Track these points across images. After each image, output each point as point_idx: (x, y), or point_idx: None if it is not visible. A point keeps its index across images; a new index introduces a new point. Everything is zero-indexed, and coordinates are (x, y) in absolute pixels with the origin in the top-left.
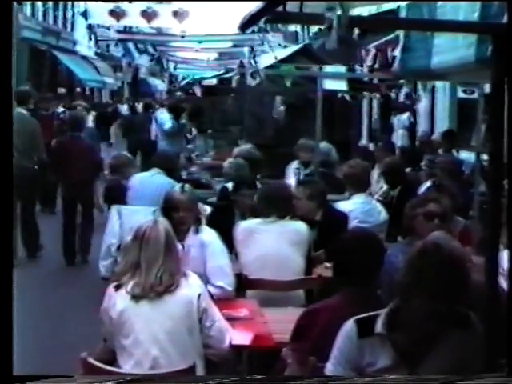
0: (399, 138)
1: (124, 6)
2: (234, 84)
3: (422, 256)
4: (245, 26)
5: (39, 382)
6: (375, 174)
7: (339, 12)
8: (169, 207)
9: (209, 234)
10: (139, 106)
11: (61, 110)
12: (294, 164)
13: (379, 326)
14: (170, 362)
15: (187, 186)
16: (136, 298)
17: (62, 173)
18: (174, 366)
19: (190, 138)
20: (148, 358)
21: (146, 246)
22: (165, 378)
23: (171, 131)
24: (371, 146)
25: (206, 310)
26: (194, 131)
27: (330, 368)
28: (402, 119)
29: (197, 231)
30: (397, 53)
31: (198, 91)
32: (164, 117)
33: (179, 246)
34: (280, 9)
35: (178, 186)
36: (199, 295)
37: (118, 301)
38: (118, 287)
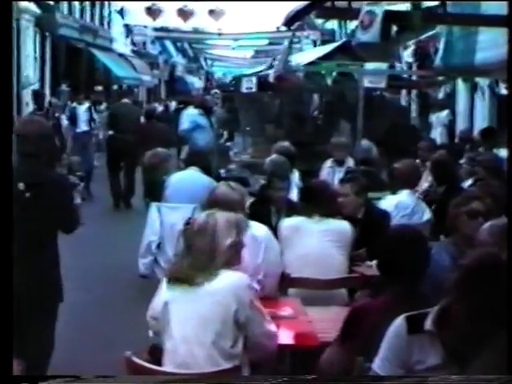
0: (438, 135)
1: (160, 4)
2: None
3: (481, 266)
4: (290, 22)
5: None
6: None
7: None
8: (224, 208)
9: (261, 229)
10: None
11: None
12: (328, 162)
13: (429, 323)
14: (196, 363)
15: (233, 183)
16: (174, 291)
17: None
18: (200, 367)
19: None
20: (177, 355)
21: (184, 239)
22: (209, 378)
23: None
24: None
25: (252, 317)
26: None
27: (377, 363)
28: (440, 117)
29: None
30: (438, 50)
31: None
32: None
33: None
34: (328, 5)
35: (223, 185)
36: (242, 302)
37: (163, 291)
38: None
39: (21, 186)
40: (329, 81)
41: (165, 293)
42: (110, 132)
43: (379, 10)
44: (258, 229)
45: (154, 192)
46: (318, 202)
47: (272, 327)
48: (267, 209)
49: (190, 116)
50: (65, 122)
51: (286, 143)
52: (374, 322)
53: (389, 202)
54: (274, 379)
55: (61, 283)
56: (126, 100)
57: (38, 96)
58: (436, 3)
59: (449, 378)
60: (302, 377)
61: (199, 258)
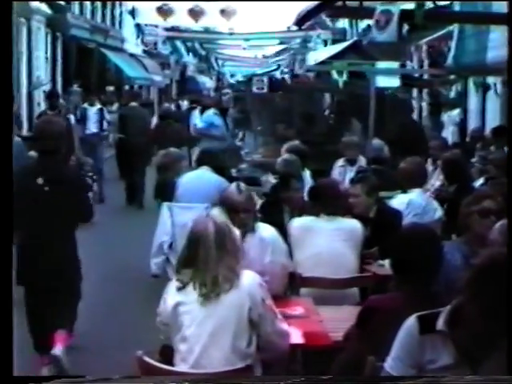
0: (450, 134)
1: (171, 4)
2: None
3: (493, 265)
4: (301, 22)
5: (52, 382)
6: (428, 170)
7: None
8: (227, 209)
9: (268, 230)
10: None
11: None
12: (340, 162)
13: (441, 323)
14: (210, 363)
15: (242, 185)
16: (188, 294)
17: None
18: (214, 367)
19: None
20: (191, 356)
21: (197, 243)
22: (223, 378)
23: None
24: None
25: (264, 315)
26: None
27: (389, 363)
28: (452, 115)
29: (253, 229)
30: (449, 48)
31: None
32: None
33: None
34: (339, 4)
35: (233, 186)
36: (255, 300)
37: (173, 295)
38: (174, 281)
39: (39, 180)
40: (340, 80)
41: (174, 296)
42: (120, 135)
43: (395, 9)
44: (265, 230)
45: (165, 192)
46: (325, 200)
47: (284, 326)
48: (279, 209)
49: (205, 116)
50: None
51: (297, 142)
52: (385, 321)
53: (400, 201)
54: (289, 379)
55: (80, 265)
56: (133, 103)
57: (52, 96)
58: (445, 3)
59: (463, 378)
60: (318, 377)
61: (229, 260)
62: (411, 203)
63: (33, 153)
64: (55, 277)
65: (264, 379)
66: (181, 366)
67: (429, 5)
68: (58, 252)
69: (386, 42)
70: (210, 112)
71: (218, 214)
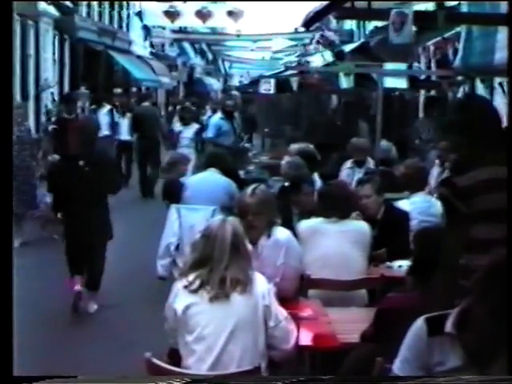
0: None
1: (179, 6)
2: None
3: (501, 266)
4: (310, 23)
5: (43, 382)
6: (435, 171)
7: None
8: (238, 211)
9: (283, 233)
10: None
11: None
12: (348, 163)
13: (449, 325)
14: (231, 361)
15: (261, 187)
16: (201, 295)
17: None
18: (235, 365)
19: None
20: (210, 355)
21: (212, 244)
22: (230, 379)
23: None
24: None
25: (269, 307)
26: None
27: (397, 365)
28: None
29: (269, 236)
30: (457, 50)
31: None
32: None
33: (249, 247)
34: (348, 6)
35: (249, 188)
36: (263, 295)
37: (183, 297)
38: (184, 284)
39: (81, 162)
40: (348, 82)
41: (184, 298)
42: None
43: (408, 10)
44: (280, 233)
45: (172, 193)
46: (336, 203)
47: (289, 325)
48: (288, 211)
49: (213, 121)
50: None
51: (303, 144)
52: (402, 321)
53: (401, 206)
54: (290, 379)
55: (111, 225)
56: (146, 103)
57: (69, 100)
58: (454, 3)
59: (462, 378)
60: (316, 377)
61: (242, 263)
62: (413, 208)
63: (56, 156)
64: (92, 234)
65: (263, 379)
66: (198, 366)
67: (434, 5)
68: (94, 216)
69: (398, 44)
70: (217, 117)
71: (234, 219)
